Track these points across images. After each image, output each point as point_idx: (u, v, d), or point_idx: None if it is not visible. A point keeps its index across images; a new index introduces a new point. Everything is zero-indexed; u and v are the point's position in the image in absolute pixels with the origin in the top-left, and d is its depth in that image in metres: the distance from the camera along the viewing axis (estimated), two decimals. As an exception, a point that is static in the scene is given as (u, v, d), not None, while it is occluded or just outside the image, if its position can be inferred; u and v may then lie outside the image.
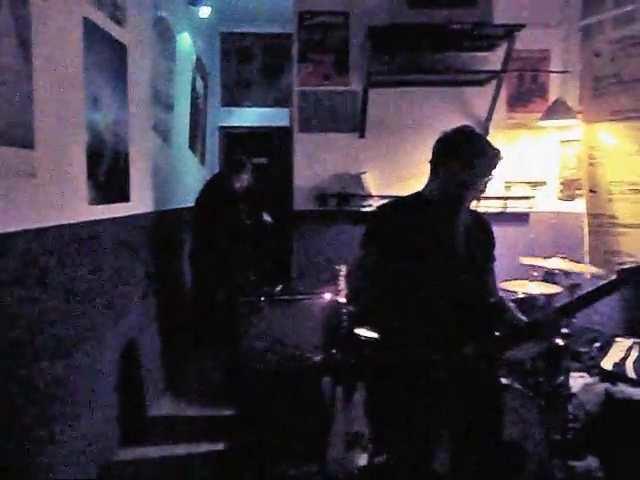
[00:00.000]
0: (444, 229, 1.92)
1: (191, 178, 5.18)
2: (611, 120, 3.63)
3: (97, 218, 2.81)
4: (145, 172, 3.68)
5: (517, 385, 2.77)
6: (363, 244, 1.99)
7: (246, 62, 6.52)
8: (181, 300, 4.29)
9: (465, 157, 1.90)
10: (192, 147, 5.23)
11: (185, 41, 4.92)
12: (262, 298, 3.46)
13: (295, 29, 4.06)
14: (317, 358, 3.17)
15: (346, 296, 3.05)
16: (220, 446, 3.21)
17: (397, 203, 2.05)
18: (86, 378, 2.67)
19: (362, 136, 4.06)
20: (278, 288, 3.55)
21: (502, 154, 1.94)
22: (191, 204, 4.23)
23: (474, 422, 1.91)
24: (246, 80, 6.57)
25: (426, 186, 2.01)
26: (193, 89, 5.20)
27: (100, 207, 2.86)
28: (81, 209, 2.66)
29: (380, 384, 1.97)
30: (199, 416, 3.61)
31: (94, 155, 2.79)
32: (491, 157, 1.92)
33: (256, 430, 3.11)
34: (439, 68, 3.89)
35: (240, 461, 3.08)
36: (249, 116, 6.53)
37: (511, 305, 2.05)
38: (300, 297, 3.45)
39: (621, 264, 1.88)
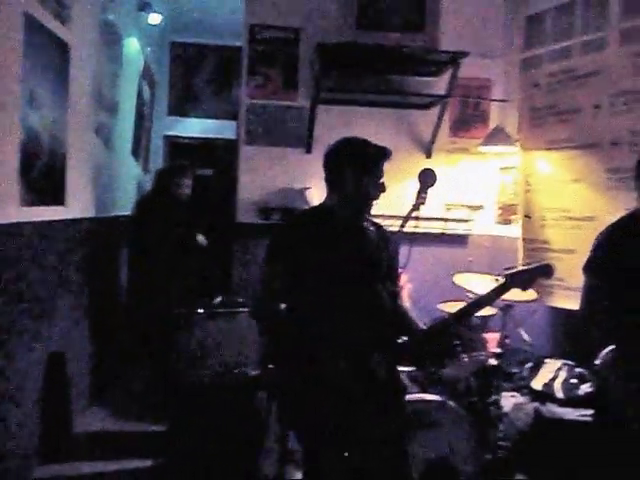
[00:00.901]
0: (349, 240, 1.94)
1: (133, 185, 5.05)
2: (547, 149, 3.79)
3: (28, 220, 2.68)
4: (83, 176, 3.56)
5: (451, 403, 2.81)
6: (267, 260, 1.98)
7: (195, 72, 6.47)
8: (114, 311, 4.14)
9: (356, 163, 1.93)
10: (135, 154, 5.10)
11: (133, 46, 4.82)
12: (200, 310, 3.39)
13: (245, 41, 4.06)
14: (253, 373, 3.12)
15: (249, 313, 3.04)
16: (149, 463, 3.09)
17: (301, 216, 2.07)
18: (3, 391, 2.52)
19: (308, 152, 4.08)
20: (217, 300, 3.48)
21: (387, 152, 1.97)
22: (129, 212, 4.12)
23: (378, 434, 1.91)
24: (195, 90, 6.51)
25: (326, 199, 2.03)
26: (139, 95, 5.09)
27: (32, 209, 2.73)
28: (11, 210, 2.53)
29: (294, 398, 1.95)
30: (128, 431, 3.47)
31: (28, 155, 2.67)
32: (379, 156, 1.95)
33: (187, 446, 3.02)
34: (386, 90, 3.96)
35: (170, 479, 2.98)
36: (196, 127, 6.46)
37: (412, 314, 2.09)
38: (240, 310, 3.40)
39: (508, 269, 2.02)
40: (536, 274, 1.94)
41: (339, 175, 1.96)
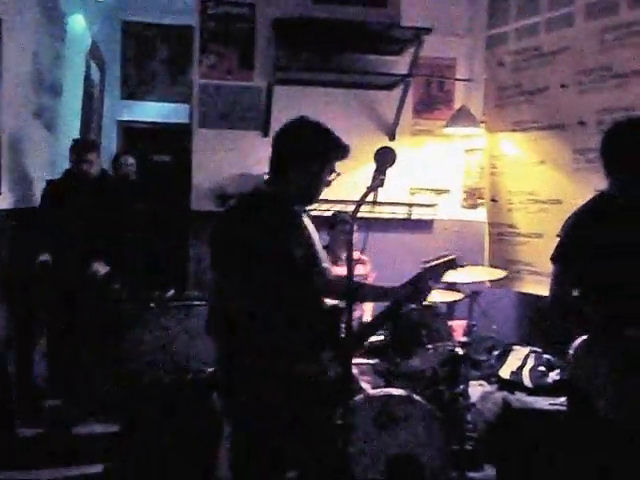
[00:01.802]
0: (295, 231, 1.82)
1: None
2: (513, 130, 3.68)
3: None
4: (22, 163, 3.30)
5: (416, 396, 2.68)
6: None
7: (149, 54, 6.16)
8: (61, 306, 3.88)
9: (318, 154, 1.80)
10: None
11: (78, 24, 4.52)
12: (151, 304, 3.20)
13: (197, 18, 3.82)
14: (209, 370, 2.94)
15: None
16: (99, 468, 2.90)
17: (250, 202, 1.87)
18: None
19: (266, 135, 3.88)
20: (170, 293, 3.28)
21: (348, 150, 1.86)
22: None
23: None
24: (149, 73, 6.21)
25: (273, 184, 1.87)
26: (87, 76, 4.80)
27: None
28: None
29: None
30: (76, 435, 3.26)
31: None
32: (341, 153, 1.83)
33: (139, 449, 2.84)
34: (346, 69, 3.78)
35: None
36: (152, 111, 6.17)
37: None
38: (195, 303, 3.22)
39: (426, 262, 1.99)
40: (443, 268, 1.95)
41: (295, 161, 1.82)
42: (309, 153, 1.81)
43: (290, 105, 3.84)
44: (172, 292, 3.28)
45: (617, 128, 2.15)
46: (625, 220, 2.06)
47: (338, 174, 1.85)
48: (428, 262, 1.93)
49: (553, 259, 2.14)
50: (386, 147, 1.65)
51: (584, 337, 2.16)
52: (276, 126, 3.78)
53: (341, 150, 1.84)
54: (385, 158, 1.62)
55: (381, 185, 1.62)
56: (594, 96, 3.19)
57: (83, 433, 3.26)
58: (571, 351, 2.18)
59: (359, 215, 1.63)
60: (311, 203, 1.88)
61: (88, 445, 3.14)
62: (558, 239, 2.20)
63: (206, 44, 3.82)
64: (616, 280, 2.04)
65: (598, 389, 2.05)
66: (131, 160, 3.73)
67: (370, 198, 1.64)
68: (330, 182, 1.85)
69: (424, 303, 2.60)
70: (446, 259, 1.95)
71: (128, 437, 2.94)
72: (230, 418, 1.94)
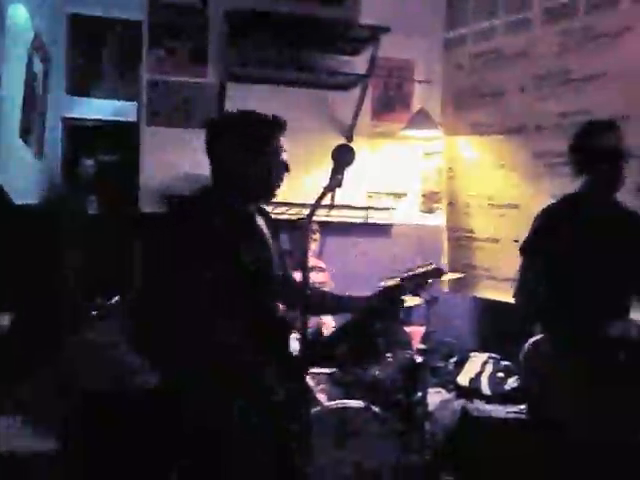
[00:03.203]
0: (241, 237, 1.66)
1: (22, 173, 4.49)
2: (471, 133, 3.64)
3: None
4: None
5: (375, 408, 2.58)
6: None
7: (97, 49, 5.89)
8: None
9: (241, 138, 1.68)
10: (25, 137, 4.54)
11: (19, 15, 4.25)
12: (94, 311, 3.00)
13: (146, 9, 3.63)
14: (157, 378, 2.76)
15: None
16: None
17: (193, 208, 1.74)
18: None
19: (219, 134, 3.72)
20: (115, 300, 3.09)
21: (280, 122, 1.72)
22: (20, 202, 3.62)
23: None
24: (97, 68, 5.93)
25: (210, 185, 1.77)
26: (29, 70, 4.52)
27: None
28: None
29: None
30: (12, 451, 3.02)
31: None
32: (269, 129, 1.69)
33: (85, 467, 2.64)
34: (303, 67, 3.66)
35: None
36: (100, 108, 5.89)
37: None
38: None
39: (408, 272, 1.96)
40: (426, 278, 1.84)
41: (222, 155, 1.72)
42: (235, 140, 1.68)
43: (244, 103, 3.68)
44: (117, 299, 3.09)
45: (587, 129, 2.14)
46: (592, 220, 2.07)
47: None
48: (408, 272, 1.81)
49: (521, 250, 2.17)
50: (344, 144, 1.54)
51: (534, 339, 2.16)
52: (229, 125, 3.72)
53: (269, 123, 1.69)
54: (343, 157, 1.51)
55: (339, 185, 1.51)
56: (552, 100, 3.18)
57: (22, 451, 3.02)
58: (521, 354, 2.19)
59: (315, 219, 1.51)
60: (267, 194, 1.71)
61: (28, 464, 2.92)
62: (517, 243, 2.22)
63: (155, 38, 3.63)
64: (577, 278, 2.04)
65: (547, 393, 2.05)
66: (90, 162, 3.52)
67: (327, 201, 1.54)
68: (283, 164, 1.69)
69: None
70: (429, 268, 1.80)
71: (70, 454, 2.75)
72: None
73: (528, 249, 2.14)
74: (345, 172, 1.52)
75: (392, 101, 4.09)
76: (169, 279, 1.63)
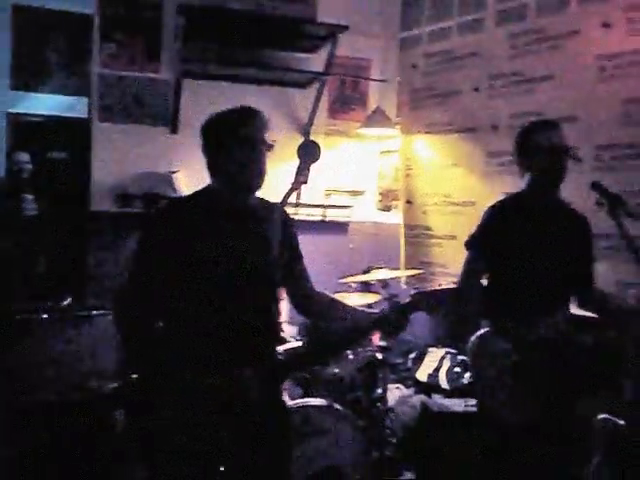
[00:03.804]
0: (233, 234, 1.62)
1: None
2: (427, 132, 3.69)
3: None
4: None
5: (337, 405, 2.58)
6: (134, 259, 1.64)
7: (44, 42, 5.67)
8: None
9: (220, 132, 1.65)
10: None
11: (-41, 4, 4.06)
12: (44, 315, 2.88)
13: (97, 2, 3.52)
14: (111, 386, 2.68)
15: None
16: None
17: (176, 203, 1.77)
18: None
19: (174, 131, 3.64)
20: (66, 302, 2.98)
21: (253, 113, 1.68)
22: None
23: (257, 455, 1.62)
24: (44, 62, 5.71)
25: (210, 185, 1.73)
26: (-31, 63, 4.32)
27: None
28: None
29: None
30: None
31: None
32: (243, 118, 1.66)
33: (32, 476, 2.54)
34: (260, 64, 3.63)
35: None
36: (46, 103, 5.67)
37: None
38: (94, 313, 2.94)
39: (417, 289, 1.82)
40: (444, 297, 1.67)
41: (206, 150, 1.68)
42: (214, 135, 1.66)
43: (200, 100, 3.64)
44: (69, 301, 2.98)
45: (529, 128, 2.19)
46: (534, 217, 2.13)
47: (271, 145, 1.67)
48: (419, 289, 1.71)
49: (466, 244, 2.22)
50: (310, 141, 1.53)
51: (479, 333, 2.19)
52: (185, 122, 3.66)
53: (243, 113, 1.67)
54: (309, 153, 1.50)
55: (305, 182, 1.50)
56: (505, 100, 3.25)
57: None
58: (467, 348, 2.21)
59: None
60: (250, 187, 1.66)
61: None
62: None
63: (107, 31, 3.53)
64: (519, 272, 2.10)
65: (489, 387, 2.08)
66: (25, 157, 3.36)
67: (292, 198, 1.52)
68: (257, 155, 1.64)
69: None
70: (449, 287, 1.74)
71: (17, 464, 2.64)
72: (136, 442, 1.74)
73: (473, 244, 2.19)
74: (310, 169, 1.51)
75: (349, 100, 4.11)
76: (132, 273, 1.63)
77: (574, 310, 2.22)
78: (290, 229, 1.76)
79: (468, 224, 3.43)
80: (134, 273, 1.64)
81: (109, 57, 3.53)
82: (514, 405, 2.02)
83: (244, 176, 1.62)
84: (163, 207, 1.80)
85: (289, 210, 1.66)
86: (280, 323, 1.75)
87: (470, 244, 2.20)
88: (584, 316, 2.26)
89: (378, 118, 3.83)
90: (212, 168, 1.68)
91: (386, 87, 4.05)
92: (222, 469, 1.53)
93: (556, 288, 2.11)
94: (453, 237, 3.52)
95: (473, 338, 2.17)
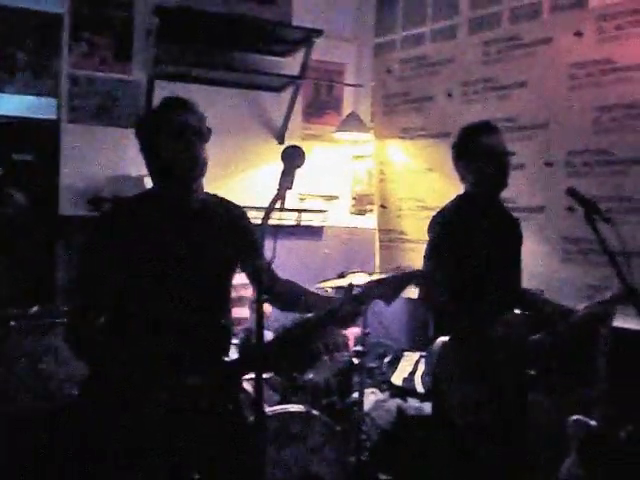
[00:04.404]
0: (176, 232, 1.59)
1: None
2: (401, 137, 3.71)
3: None
4: None
5: (315, 412, 2.56)
6: (80, 258, 1.65)
7: (13, 41, 5.51)
8: None
9: (144, 123, 1.66)
10: None
11: None
12: (11, 322, 2.79)
13: (68, 1, 3.44)
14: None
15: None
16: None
17: (119, 204, 1.78)
18: None
19: (146, 134, 3.57)
20: (34, 310, 2.89)
21: (175, 101, 1.64)
22: None
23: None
24: (10, 62, 5.56)
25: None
26: None
27: None
28: None
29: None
30: None
31: None
32: (167, 107, 1.64)
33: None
34: (234, 67, 3.59)
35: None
36: (12, 104, 5.52)
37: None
38: (57, 320, 2.86)
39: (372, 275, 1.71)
40: (404, 282, 1.63)
41: (141, 151, 1.67)
42: (139, 135, 1.65)
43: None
44: (36, 308, 2.88)
45: (466, 132, 2.21)
46: (484, 219, 2.16)
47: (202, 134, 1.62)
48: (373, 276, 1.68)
49: (425, 257, 2.20)
50: (294, 146, 1.52)
51: (442, 339, 2.18)
52: (157, 124, 3.59)
53: (160, 107, 1.64)
54: (293, 158, 1.48)
55: (290, 187, 1.48)
56: (478, 106, 3.29)
57: None
58: (432, 350, 2.19)
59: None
60: (183, 179, 1.60)
61: None
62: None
63: (77, 31, 3.45)
64: (477, 280, 2.11)
65: (449, 391, 2.10)
66: None
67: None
68: (185, 144, 1.58)
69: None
70: (404, 272, 1.72)
71: None
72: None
73: (431, 255, 2.19)
74: (295, 174, 1.49)
75: (323, 104, 4.10)
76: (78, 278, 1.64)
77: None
78: (244, 224, 1.73)
79: (442, 229, 3.50)
80: (80, 278, 1.62)
81: (79, 57, 3.45)
82: (475, 406, 2.04)
83: (175, 168, 1.58)
84: (106, 210, 1.77)
85: (275, 215, 1.64)
86: (230, 324, 1.70)
87: (428, 256, 2.20)
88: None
89: (352, 123, 3.84)
90: (149, 168, 1.66)
91: (360, 92, 4.07)
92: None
93: (509, 288, 2.14)
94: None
95: (434, 345, 2.16)
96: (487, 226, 2.14)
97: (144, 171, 3.62)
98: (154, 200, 1.64)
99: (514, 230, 2.27)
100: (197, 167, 1.59)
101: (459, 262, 2.08)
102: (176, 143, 1.57)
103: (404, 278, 1.63)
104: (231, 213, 1.69)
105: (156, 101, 3.51)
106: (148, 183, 3.55)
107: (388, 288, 1.57)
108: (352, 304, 1.57)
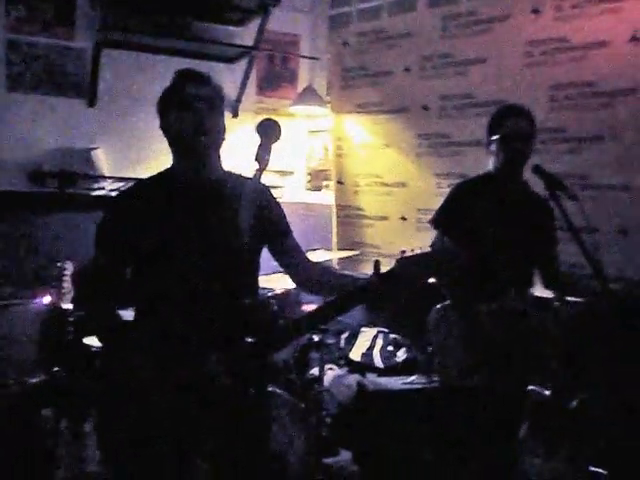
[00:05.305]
0: (199, 212, 1.55)
1: None
2: (358, 112, 3.66)
3: None
4: None
5: (279, 391, 2.54)
6: (96, 242, 1.59)
7: None
8: None
9: (162, 99, 1.60)
10: None
11: None
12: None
13: (2, -41, 3.17)
14: (32, 381, 2.47)
15: (73, 300, 2.42)
16: None
17: (139, 186, 1.65)
18: None
19: (92, 104, 3.38)
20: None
21: (191, 73, 1.62)
22: None
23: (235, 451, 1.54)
24: None
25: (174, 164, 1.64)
26: None
27: None
28: None
29: (112, 407, 1.52)
30: None
31: None
32: (180, 80, 1.60)
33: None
34: (185, 35, 3.42)
35: None
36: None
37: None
38: (5, 303, 2.72)
39: (404, 252, 1.54)
40: (428, 261, 1.41)
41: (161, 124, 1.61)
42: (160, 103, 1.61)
43: (122, 72, 3.41)
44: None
45: (500, 112, 2.24)
46: (501, 199, 2.21)
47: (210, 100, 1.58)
48: (404, 252, 1.43)
49: (431, 222, 2.24)
50: (269, 119, 1.44)
51: (439, 305, 2.27)
52: (104, 94, 3.41)
53: (180, 73, 1.60)
54: (269, 132, 1.41)
55: (267, 164, 1.42)
56: (436, 82, 3.29)
57: None
58: (429, 316, 2.28)
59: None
60: (191, 150, 1.55)
61: None
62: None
63: (14, -7, 3.19)
64: (484, 250, 2.15)
65: (448, 355, 2.18)
66: None
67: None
68: (190, 114, 1.53)
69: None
70: (429, 250, 1.44)
71: None
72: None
73: (438, 221, 2.22)
74: (272, 149, 1.43)
75: (278, 77, 4.00)
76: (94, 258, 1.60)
77: (539, 291, 2.31)
78: (268, 203, 1.67)
79: (399, 205, 3.50)
80: (96, 258, 1.58)
81: (17, 21, 3.19)
82: (470, 370, 2.11)
83: (182, 138, 1.54)
84: (123, 190, 1.70)
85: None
86: (260, 303, 1.67)
87: (434, 221, 2.23)
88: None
89: (309, 96, 3.76)
90: (169, 145, 1.61)
91: (316, 65, 3.98)
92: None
93: (519, 268, 2.18)
94: (385, 218, 3.54)
95: (434, 310, 2.25)
96: (498, 205, 2.17)
97: (91, 144, 3.50)
98: (169, 178, 1.60)
99: (536, 212, 2.25)
100: (203, 135, 1.52)
101: (463, 232, 2.10)
102: (183, 113, 1.52)
103: (434, 255, 1.44)
104: (253, 191, 1.55)
105: (103, 70, 3.36)
106: (96, 157, 3.42)
107: (420, 267, 1.41)
108: (382, 283, 1.44)
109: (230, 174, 1.65)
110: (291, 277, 1.76)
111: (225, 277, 1.49)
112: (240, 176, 1.65)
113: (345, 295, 1.50)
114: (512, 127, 2.16)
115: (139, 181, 1.67)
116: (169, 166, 1.64)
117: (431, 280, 2.17)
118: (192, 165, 1.57)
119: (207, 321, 1.50)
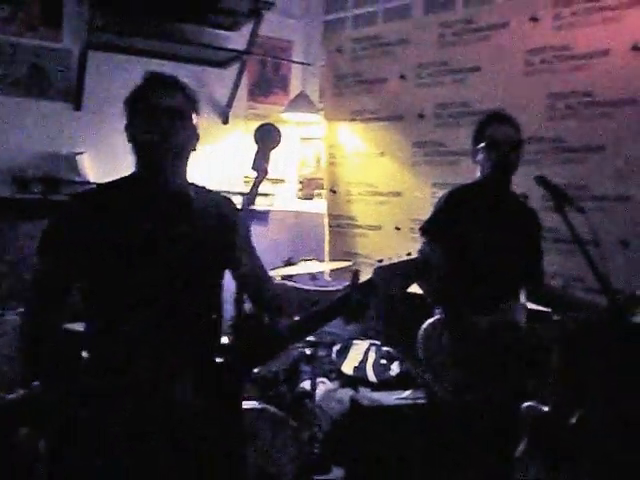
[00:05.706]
0: (154, 225, 1.42)
1: None
2: (352, 120, 3.59)
3: None
4: None
5: (270, 407, 2.44)
6: (39, 249, 1.44)
7: None
8: None
9: (129, 102, 1.49)
10: None
11: None
12: None
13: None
14: (10, 396, 2.35)
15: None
16: None
17: (96, 191, 1.53)
18: None
19: (78, 108, 3.28)
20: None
21: (157, 77, 1.49)
22: None
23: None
24: None
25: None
26: None
27: None
28: None
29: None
30: None
31: None
32: (147, 84, 1.48)
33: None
34: (175, 39, 3.34)
35: None
36: None
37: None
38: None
39: (380, 261, 1.51)
40: (407, 269, 1.39)
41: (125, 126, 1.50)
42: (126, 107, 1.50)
43: (110, 75, 3.31)
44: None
45: (484, 121, 2.19)
46: (492, 208, 2.15)
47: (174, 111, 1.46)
48: (382, 261, 1.41)
49: (421, 230, 2.18)
50: (268, 124, 1.37)
51: (431, 320, 2.19)
52: (91, 98, 3.31)
53: (140, 83, 1.48)
54: (269, 137, 1.34)
55: (267, 172, 1.35)
56: (432, 89, 3.22)
57: None
58: (419, 333, 2.18)
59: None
60: (151, 162, 1.45)
61: None
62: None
63: (-2, -9, 3.09)
64: (473, 263, 2.10)
65: (438, 371, 2.10)
66: None
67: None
68: (156, 132, 1.41)
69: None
70: (408, 258, 1.42)
71: None
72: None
73: (427, 229, 2.16)
74: (271, 156, 1.35)
75: (270, 82, 3.92)
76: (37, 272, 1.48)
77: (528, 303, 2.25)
78: (233, 221, 1.53)
79: (393, 214, 3.43)
80: (37, 269, 1.46)
81: (2, 21, 3.09)
82: (463, 388, 2.04)
83: (142, 148, 1.44)
84: (77, 193, 1.56)
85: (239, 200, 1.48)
86: (218, 321, 1.54)
87: (424, 229, 2.17)
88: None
89: (301, 103, 3.69)
90: (131, 149, 1.49)
91: (309, 71, 3.92)
92: None
93: (508, 279, 2.12)
94: (378, 227, 3.47)
95: (425, 325, 2.16)
96: (487, 215, 2.13)
97: (76, 149, 3.40)
98: (128, 185, 1.47)
99: (525, 222, 2.22)
100: (167, 148, 1.41)
101: (453, 242, 2.07)
102: (146, 122, 1.41)
103: (413, 264, 1.40)
104: (218, 207, 1.51)
105: (89, 73, 3.27)
106: (81, 162, 3.32)
107: (398, 275, 1.37)
108: (359, 293, 1.39)
109: (195, 187, 1.53)
110: (252, 302, 1.61)
111: (178, 295, 1.40)
112: (207, 191, 1.55)
113: (324, 308, 1.43)
114: (496, 134, 2.11)
115: (97, 185, 1.55)
116: (134, 170, 1.51)
117: (419, 291, 2.15)
118: (152, 175, 1.45)
119: (171, 342, 1.39)
